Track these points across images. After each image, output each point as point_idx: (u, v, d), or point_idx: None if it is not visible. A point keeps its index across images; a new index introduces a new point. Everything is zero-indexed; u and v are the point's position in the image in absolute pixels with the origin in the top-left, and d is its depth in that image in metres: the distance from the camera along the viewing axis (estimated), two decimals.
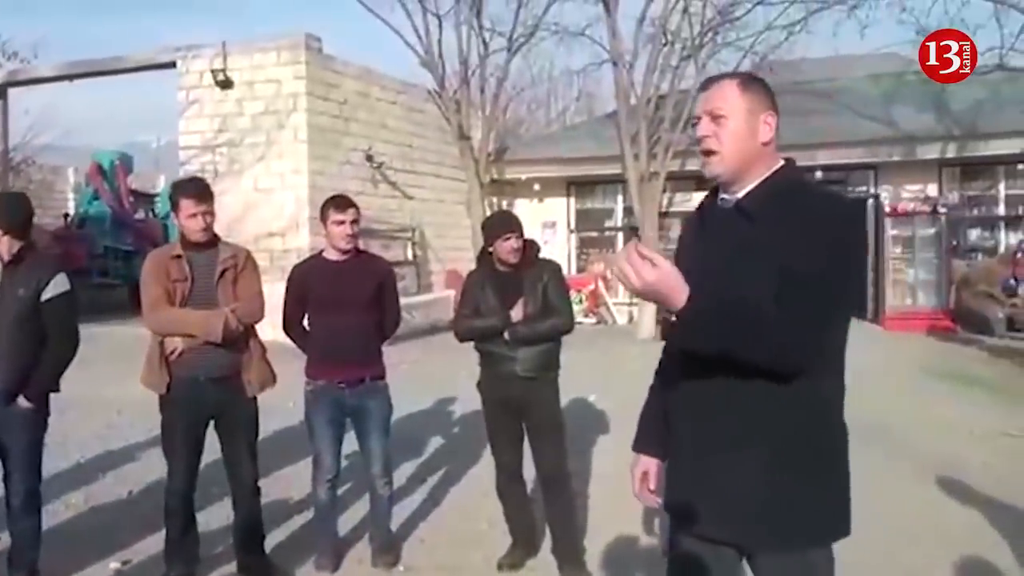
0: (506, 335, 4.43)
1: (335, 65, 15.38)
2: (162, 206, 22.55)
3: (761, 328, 2.05)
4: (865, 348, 12.20)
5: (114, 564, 4.72)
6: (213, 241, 4.41)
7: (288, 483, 5.97)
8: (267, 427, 6.80)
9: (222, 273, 4.34)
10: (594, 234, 19.35)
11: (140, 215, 21.99)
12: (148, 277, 4.34)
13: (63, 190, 25.73)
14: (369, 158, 15.89)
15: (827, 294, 2.08)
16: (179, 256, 4.34)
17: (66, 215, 23.11)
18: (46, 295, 4.13)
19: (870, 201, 15.96)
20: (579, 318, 16.86)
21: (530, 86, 30.97)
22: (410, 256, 17.05)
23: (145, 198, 22.82)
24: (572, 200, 19.31)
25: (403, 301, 15.00)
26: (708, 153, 2.27)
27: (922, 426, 7.84)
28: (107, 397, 8.75)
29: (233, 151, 14.87)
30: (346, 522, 5.21)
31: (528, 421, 4.54)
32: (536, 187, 18.84)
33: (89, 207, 21.45)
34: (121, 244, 20.50)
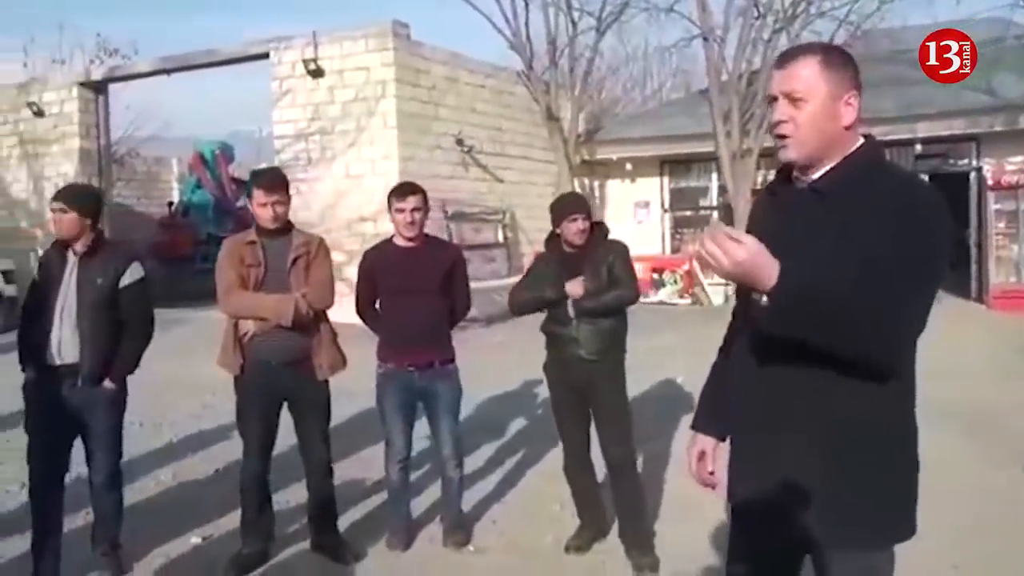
0: (571, 310, 4.40)
1: (423, 51, 15.49)
2: None
3: (856, 317, 1.93)
4: (966, 328, 11.81)
5: (195, 539, 4.91)
6: (287, 228, 4.50)
7: (364, 464, 6.07)
8: (345, 409, 6.96)
9: (295, 260, 4.43)
10: (688, 213, 19.01)
11: (242, 203, 22.61)
12: (223, 262, 4.47)
13: (168, 180, 26.64)
14: (459, 142, 15.97)
15: (915, 282, 1.97)
16: (253, 242, 4.46)
17: (170, 203, 23.95)
18: (123, 282, 4.30)
19: (972, 174, 15.26)
20: (674, 299, 16.82)
21: (624, 64, 30.67)
22: (501, 238, 17.10)
23: (247, 186, 23.43)
24: (666, 179, 19.00)
25: (494, 283, 15.22)
26: (783, 137, 2.11)
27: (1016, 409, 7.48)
28: (203, 379, 9.00)
29: (325, 139, 15.15)
30: (420, 503, 5.27)
31: (593, 404, 4.51)
32: (628, 167, 18.63)
33: (192, 196, 22.22)
34: (223, 231, 21.12)
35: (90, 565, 4.45)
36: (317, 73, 15.10)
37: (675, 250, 18.51)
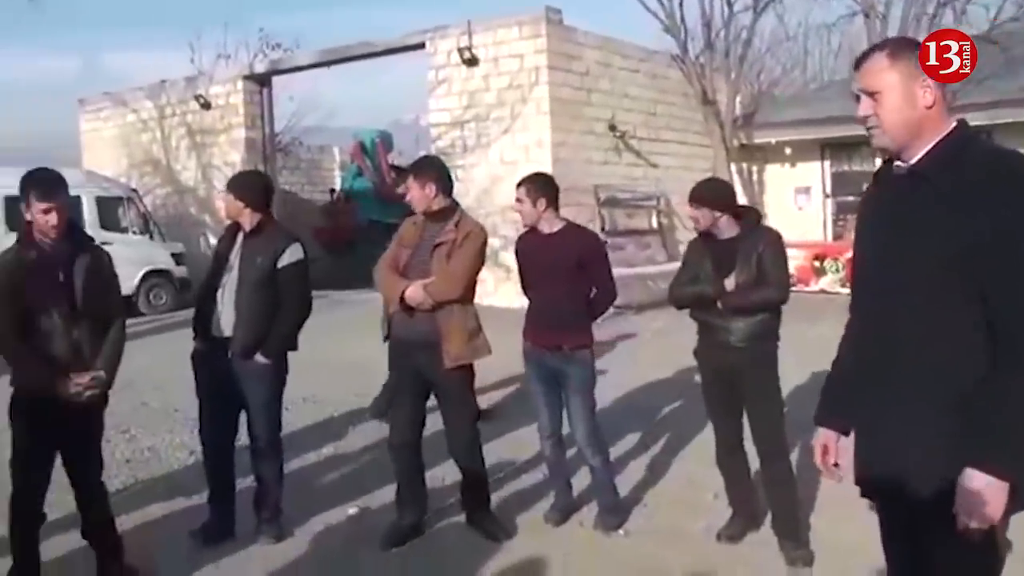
0: (719, 304, 4.32)
1: (576, 36, 15.45)
2: None
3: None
4: None
5: (351, 510, 5.11)
6: (449, 212, 4.58)
7: (518, 443, 6.17)
8: (503, 389, 7.07)
9: (437, 246, 4.51)
10: (851, 199, 18.14)
11: (402, 189, 23.13)
12: (395, 237, 4.70)
13: (330, 168, 27.63)
14: (612, 127, 15.87)
15: None
16: (415, 224, 4.61)
17: (332, 191, 24.81)
18: (281, 263, 4.51)
19: None
20: (835, 287, 16.20)
21: (783, 44, 29.65)
22: (655, 224, 16.91)
23: (407, 173, 23.95)
24: (827, 163, 18.28)
25: (650, 269, 15.02)
26: (871, 129, 2.27)
27: None
28: (362, 357, 9.36)
29: (480, 126, 15.34)
30: (582, 483, 5.18)
31: (743, 393, 4.40)
32: (787, 151, 18.05)
33: (353, 183, 22.97)
34: (384, 217, 21.71)
35: (256, 529, 4.72)
36: (472, 62, 15.30)
37: (837, 237, 17.80)
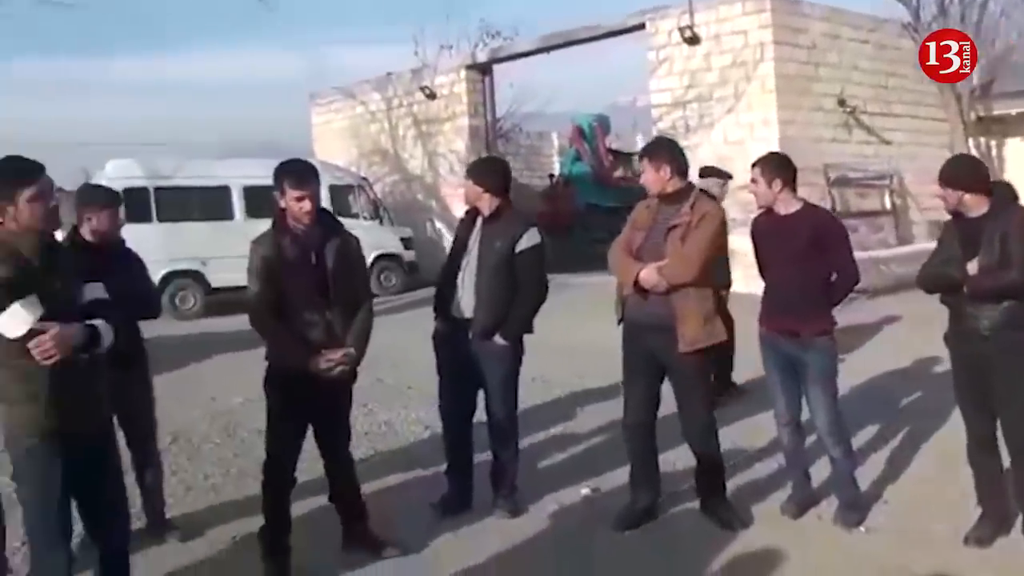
0: (964, 288, 4.04)
1: (801, 9, 14.82)
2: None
3: None
4: None
5: (585, 490, 5.18)
6: (684, 194, 4.52)
7: (754, 430, 6.05)
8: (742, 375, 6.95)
9: (672, 228, 4.45)
10: None
11: (620, 173, 23.17)
12: (628, 220, 4.72)
13: (549, 153, 27.95)
14: (841, 103, 15.12)
15: None
16: (648, 207, 4.60)
17: (551, 176, 25.13)
18: (519, 247, 4.62)
19: None
20: None
21: (1021, 7, 27.13)
22: (888, 205, 16.00)
23: (624, 157, 24.00)
24: None
25: (882, 253, 14.25)
26: None
27: None
28: (587, 340, 9.45)
29: (703, 106, 15.02)
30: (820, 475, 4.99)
31: (992, 384, 4.09)
32: None
33: (572, 168, 23.14)
34: (602, 201, 21.77)
35: (492, 503, 4.89)
36: (693, 40, 14.99)
37: None
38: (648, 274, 4.38)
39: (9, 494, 3.69)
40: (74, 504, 3.27)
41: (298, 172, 4.07)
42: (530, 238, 4.65)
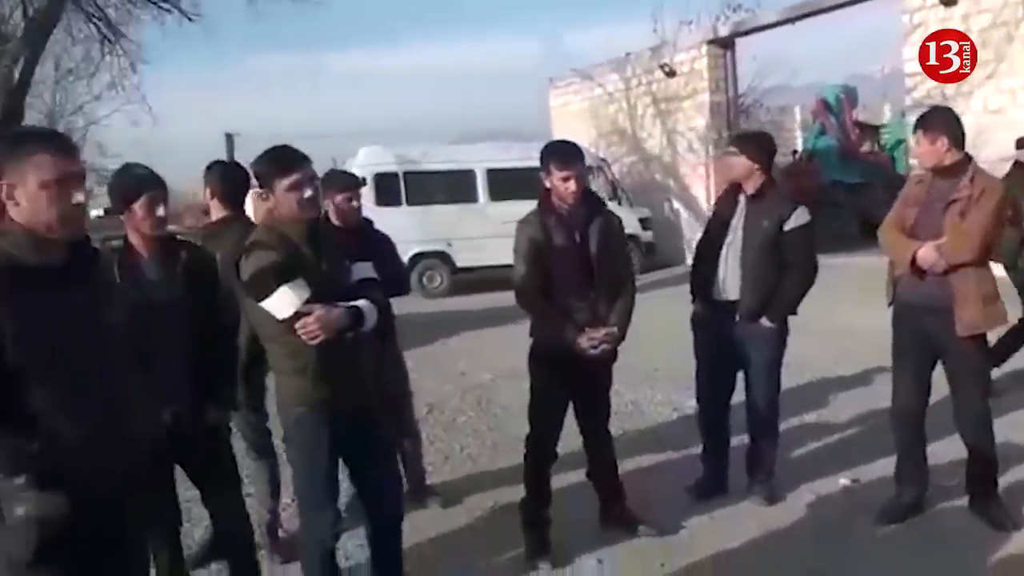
0: None
1: None
2: (889, 136, 22.29)
3: None
4: None
5: (843, 480, 5.01)
6: (961, 167, 4.25)
7: None
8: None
9: (950, 203, 4.20)
10: None
11: (866, 147, 22.00)
12: (899, 196, 4.52)
13: (791, 128, 26.98)
14: None
15: None
16: (921, 182, 4.38)
17: (795, 151, 24.19)
18: (788, 226, 4.49)
19: None
20: None
21: None
22: None
23: (871, 130, 22.75)
24: None
25: None
26: None
27: None
28: (838, 325, 9.12)
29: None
30: None
31: None
32: None
33: (816, 142, 22.17)
34: (847, 177, 20.77)
35: (747, 487, 4.85)
36: (950, 2, 13.97)
37: None
38: (926, 252, 4.15)
39: (280, 454, 4.05)
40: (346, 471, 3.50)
41: (564, 152, 4.15)
42: (799, 216, 4.51)
